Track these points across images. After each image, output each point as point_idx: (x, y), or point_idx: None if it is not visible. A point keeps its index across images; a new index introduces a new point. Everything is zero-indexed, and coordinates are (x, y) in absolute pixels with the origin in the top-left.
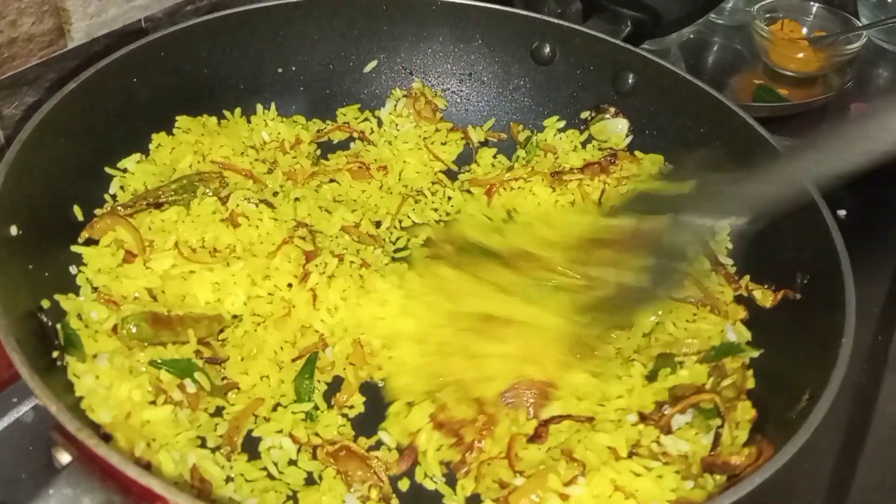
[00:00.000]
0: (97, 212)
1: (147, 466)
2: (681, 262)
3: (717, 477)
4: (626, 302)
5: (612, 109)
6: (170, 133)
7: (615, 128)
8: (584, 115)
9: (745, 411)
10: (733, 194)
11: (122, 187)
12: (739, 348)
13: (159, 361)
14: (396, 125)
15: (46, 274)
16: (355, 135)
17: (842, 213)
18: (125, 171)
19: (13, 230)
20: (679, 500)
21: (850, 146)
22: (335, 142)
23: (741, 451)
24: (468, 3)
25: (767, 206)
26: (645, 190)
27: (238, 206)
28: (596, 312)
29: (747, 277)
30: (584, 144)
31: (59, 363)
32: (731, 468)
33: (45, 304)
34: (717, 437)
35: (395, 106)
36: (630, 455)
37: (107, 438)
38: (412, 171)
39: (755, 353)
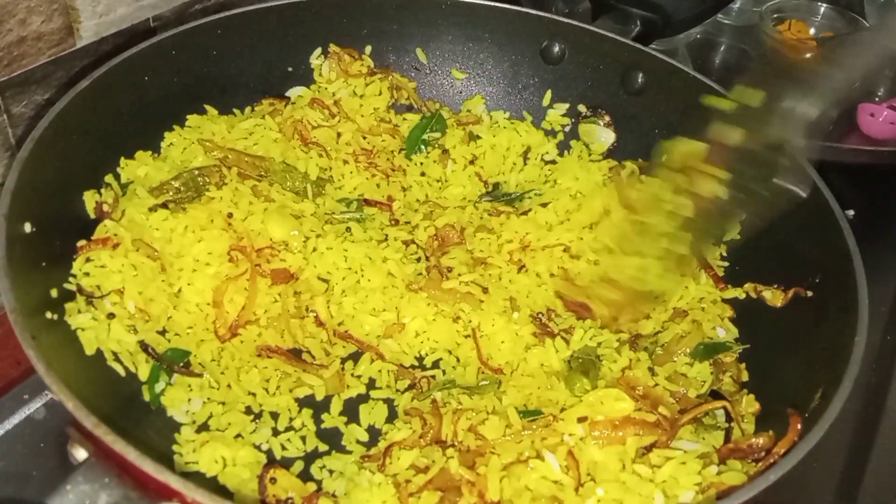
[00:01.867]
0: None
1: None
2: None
3: (743, 462)
4: (711, 219)
5: (608, 118)
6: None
7: (601, 136)
8: (581, 108)
9: (750, 404)
10: (820, 80)
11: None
12: (725, 346)
13: None
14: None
15: (59, 271)
16: None
17: (850, 212)
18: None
19: (27, 227)
20: (713, 484)
21: None
22: None
23: (760, 434)
24: (478, 2)
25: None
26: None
27: None
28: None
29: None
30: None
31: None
32: (753, 450)
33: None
34: (729, 431)
35: (321, 71)
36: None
37: None
38: None
39: (740, 349)
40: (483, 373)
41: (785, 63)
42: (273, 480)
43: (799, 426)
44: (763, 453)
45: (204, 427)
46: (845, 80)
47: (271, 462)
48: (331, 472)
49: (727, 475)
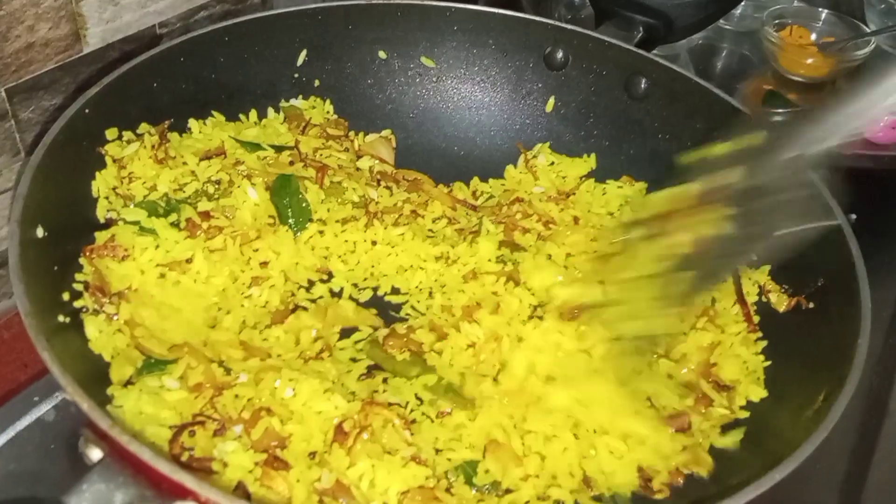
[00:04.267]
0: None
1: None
2: (780, 194)
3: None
4: (716, 256)
5: None
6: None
7: None
8: None
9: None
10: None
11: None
12: None
13: None
14: None
15: (71, 275)
16: None
17: (852, 216)
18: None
19: (39, 232)
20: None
21: None
22: None
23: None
24: (482, 9)
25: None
26: (713, 152)
27: None
28: (684, 271)
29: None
30: None
31: None
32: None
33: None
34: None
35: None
36: None
37: None
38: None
39: None
40: None
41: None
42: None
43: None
44: None
45: None
46: (859, 112)
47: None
48: None
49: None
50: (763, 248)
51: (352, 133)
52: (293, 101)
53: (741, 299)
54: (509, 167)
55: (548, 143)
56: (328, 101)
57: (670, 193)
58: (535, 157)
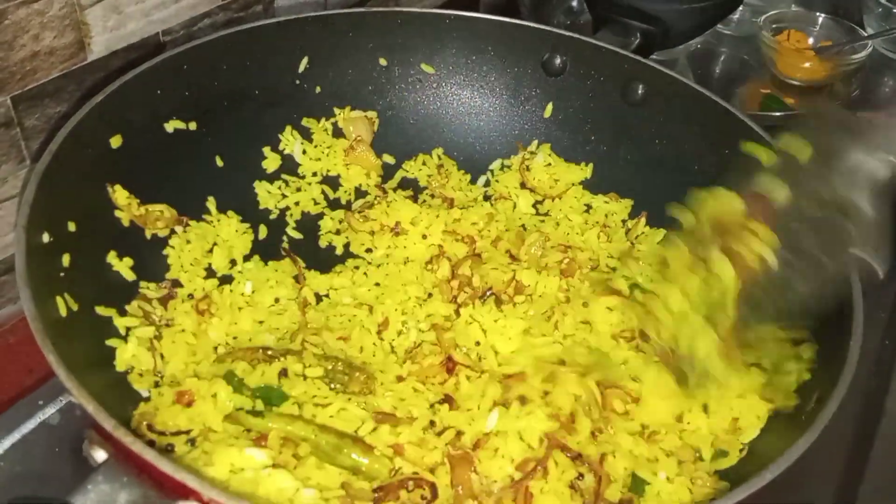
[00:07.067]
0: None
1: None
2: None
3: None
4: (766, 294)
5: None
6: None
7: None
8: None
9: None
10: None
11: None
12: None
13: None
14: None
15: (76, 279)
16: None
17: None
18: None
19: (45, 237)
20: None
21: None
22: None
23: None
24: (481, 16)
25: None
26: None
27: None
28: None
29: None
30: None
31: None
32: None
33: (74, 306)
34: None
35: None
36: None
37: None
38: None
39: None
40: None
41: (844, 115)
42: None
43: None
44: None
45: None
46: None
47: None
48: None
49: None
50: (813, 287)
51: (336, 108)
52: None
53: None
54: (495, 163)
55: (549, 145)
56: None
57: (721, 201)
58: (533, 154)
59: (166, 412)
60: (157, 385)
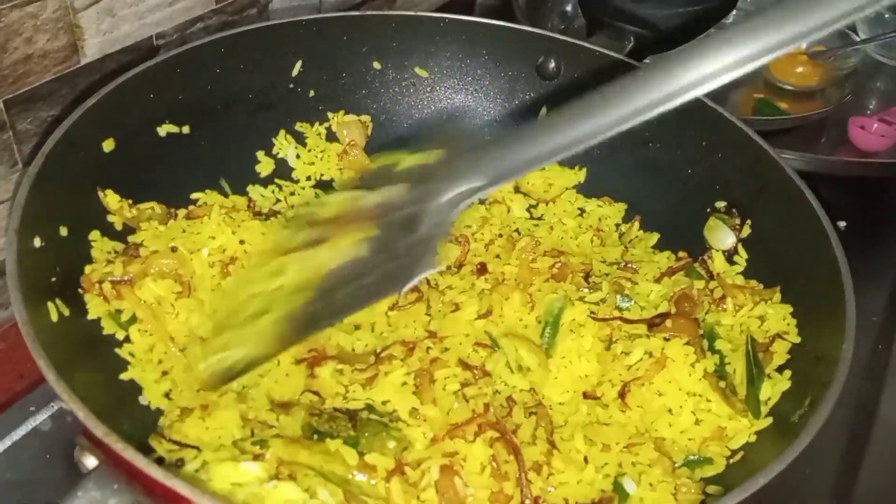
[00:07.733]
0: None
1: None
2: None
3: None
4: (342, 287)
5: (738, 221)
6: None
7: (724, 239)
8: (719, 204)
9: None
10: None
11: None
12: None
13: None
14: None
15: (67, 284)
16: None
17: (842, 224)
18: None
19: (37, 241)
20: None
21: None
22: None
23: None
24: (475, 20)
25: (520, 172)
26: (384, 164)
27: None
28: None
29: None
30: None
31: None
32: None
33: (66, 312)
34: None
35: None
36: None
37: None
38: None
39: None
40: None
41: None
42: None
43: None
44: None
45: None
46: (518, 162)
47: None
48: None
49: None
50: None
51: (330, 112)
52: None
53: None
54: None
55: None
56: None
57: (350, 196)
58: None
59: (182, 424)
60: (167, 396)
